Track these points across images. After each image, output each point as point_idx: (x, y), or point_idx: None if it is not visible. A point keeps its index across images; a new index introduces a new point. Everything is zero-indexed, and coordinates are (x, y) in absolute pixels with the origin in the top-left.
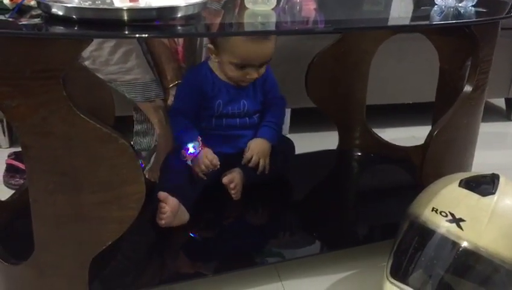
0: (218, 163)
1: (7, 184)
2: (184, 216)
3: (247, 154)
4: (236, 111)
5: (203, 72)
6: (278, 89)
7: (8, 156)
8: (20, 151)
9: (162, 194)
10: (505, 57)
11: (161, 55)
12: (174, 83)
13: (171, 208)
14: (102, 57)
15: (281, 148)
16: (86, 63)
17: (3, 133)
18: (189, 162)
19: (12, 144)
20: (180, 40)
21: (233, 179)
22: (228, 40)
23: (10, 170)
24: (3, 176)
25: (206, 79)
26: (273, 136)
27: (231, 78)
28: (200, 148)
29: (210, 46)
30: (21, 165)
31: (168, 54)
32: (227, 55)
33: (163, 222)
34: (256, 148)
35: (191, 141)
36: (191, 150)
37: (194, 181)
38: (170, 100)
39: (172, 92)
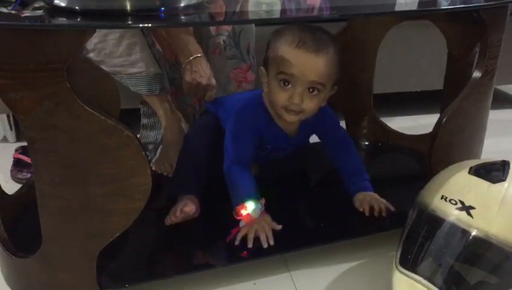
0: (280, 227)
1: (15, 178)
2: (194, 211)
3: (362, 208)
4: (281, 156)
5: (260, 114)
6: (339, 125)
7: (16, 150)
8: (27, 145)
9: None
10: None
11: (180, 30)
12: (193, 57)
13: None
14: (107, 49)
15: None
16: (91, 55)
17: (10, 127)
18: (241, 223)
19: (19, 138)
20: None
21: None
22: (279, 47)
23: (17, 164)
24: (11, 170)
25: (265, 123)
26: (369, 185)
27: (276, 105)
28: (260, 212)
29: (261, 68)
30: (28, 160)
31: (188, 30)
32: (273, 67)
33: (168, 223)
34: (368, 202)
35: (252, 200)
36: (250, 211)
37: (207, 167)
38: (188, 76)
39: (189, 67)
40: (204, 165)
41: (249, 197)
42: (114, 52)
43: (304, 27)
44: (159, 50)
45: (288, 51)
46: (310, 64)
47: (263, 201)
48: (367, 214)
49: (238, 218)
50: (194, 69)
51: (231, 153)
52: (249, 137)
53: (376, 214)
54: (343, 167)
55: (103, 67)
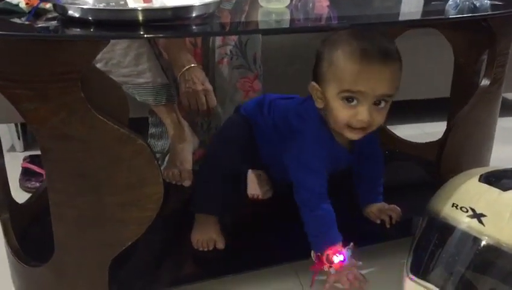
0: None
1: (23, 187)
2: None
3: (379, 219)
4: (333, 172)
5: (325, 136)
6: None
7: (24, 159)
8: (35, 154)
9: None
10: None
11: (172, 43)
12: (186, 68)
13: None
14: (114, 59)
15: None
16: (98, 65)
17: (18, 136)
18: (331, 270)
19: (27, 147)
20: (198, 42)
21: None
22: (338, 62)
23: (26, 173)
24: (19, 179)
25: (329, 143)
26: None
27: (339, 124)
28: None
29: (313, 84)
30: (36, 169)
31: (180, 42)
32: (333, 85)
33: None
34: (385, 213)
35: (338, 244)
36: (341, 257)
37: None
38: (183, 86)
39: (183, 78)
40: (232, 179)
41: (336, 242)
42: (121, 62)
43: (357, 32)
44: (166, 60)
45: (350, 65)
46: (377, 77)
47: (353, 245)
48: (388, 225)
49: (328, 265)
50: (187, 78)
51: (307, 185)
52: (322, 164)
53: (394, 221)
54: (365, 175)
55: (111, 76)
